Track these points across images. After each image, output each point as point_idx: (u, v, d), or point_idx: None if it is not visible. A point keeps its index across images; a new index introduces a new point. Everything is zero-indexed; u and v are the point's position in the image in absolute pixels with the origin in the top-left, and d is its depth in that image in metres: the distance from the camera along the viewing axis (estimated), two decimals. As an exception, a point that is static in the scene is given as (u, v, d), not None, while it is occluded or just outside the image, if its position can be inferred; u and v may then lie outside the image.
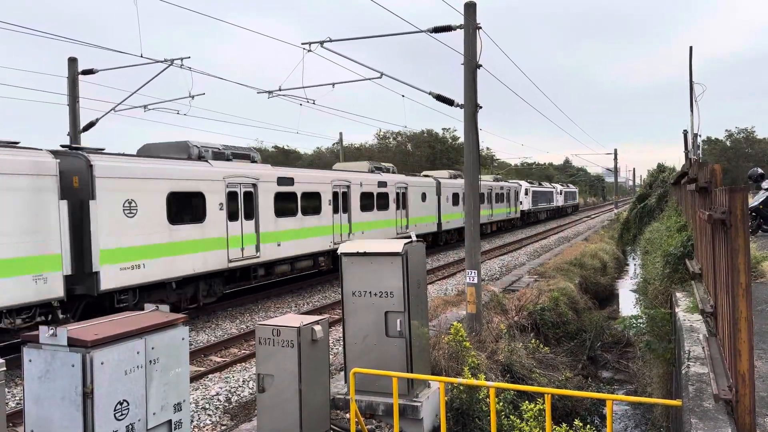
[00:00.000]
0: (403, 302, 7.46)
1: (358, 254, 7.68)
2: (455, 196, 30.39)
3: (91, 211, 11.25)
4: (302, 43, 13.40)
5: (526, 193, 49.02)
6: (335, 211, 19.08)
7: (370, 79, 14.15)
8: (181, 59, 16.24)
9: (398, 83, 13.10)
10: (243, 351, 12.17)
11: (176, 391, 5.01)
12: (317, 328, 6.56)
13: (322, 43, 13.02)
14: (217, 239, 14.12)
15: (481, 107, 11.83)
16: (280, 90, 16.13)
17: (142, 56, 15.76)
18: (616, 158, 62.14)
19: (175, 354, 5.00)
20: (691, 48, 11.62)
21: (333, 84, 15.95)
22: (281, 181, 16.48)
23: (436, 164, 65.54)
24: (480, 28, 11.57)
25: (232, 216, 14.69)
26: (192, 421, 8.30)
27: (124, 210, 11.87)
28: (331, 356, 10.41)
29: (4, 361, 4.75)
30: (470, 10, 11.58)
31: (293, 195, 16.96)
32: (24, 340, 4.55)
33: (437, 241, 29.54)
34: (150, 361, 4.75)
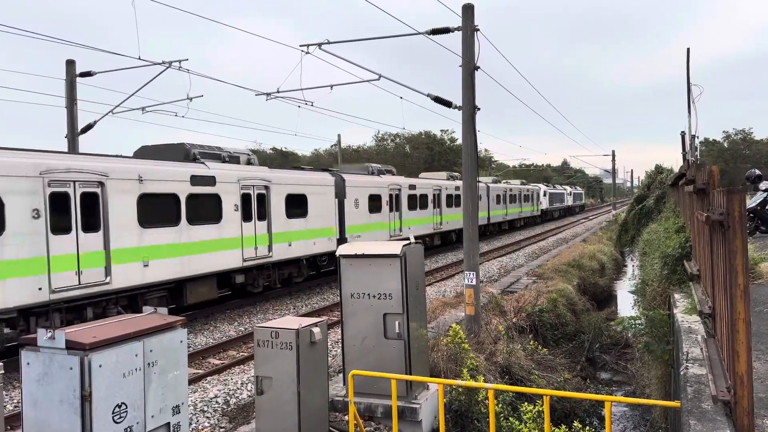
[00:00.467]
0: (402, 304, 7.46)
1: (356, 256, 7.68)
2: (498, 197, 39.82)
3: (344, 205, 20.23)
4: (300, 45, 13.41)
5: (545, 195, 57.28)
6: (434, 207, 28.22)
7: (368, 80, 14.16)
8: (179, 61, 16.23)
9: (396, 85, 13.12)
10: (241, 353, 12.15)
11: (174, 394, 5.00)
12: (316, 330, 6.55)
13: (320, 45, 13.02)
14: (385, 223, 23.59)
15: (479, 109, 11.84)
16: (278, 92, 16.13)
17: (140, 58, 15.76)
18: (614, 159, 62.20)
19: (174, 356, 4.99)
20: (688, 50, 11.63)
21: (331, 86, 15.98)
22: (411, 187, 25.49)
23: (434, 166, 65.55)
24: (478, 29, 11.59)
25: (390, 209, 23.91)
26: (190, 423, 8.28)
27: (354, 205, 20.76)
28: (329, 358, 10.40)
29: (2, 363, 4.74)
30: (468, 12, 11.60)
31: (416, 196, 26.17)
32: (22, 342, 4.54)
33: (486, 231, 38.58)
34: (148, 364, 4.74)
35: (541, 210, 55.00)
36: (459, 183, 30.38)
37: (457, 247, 30.57)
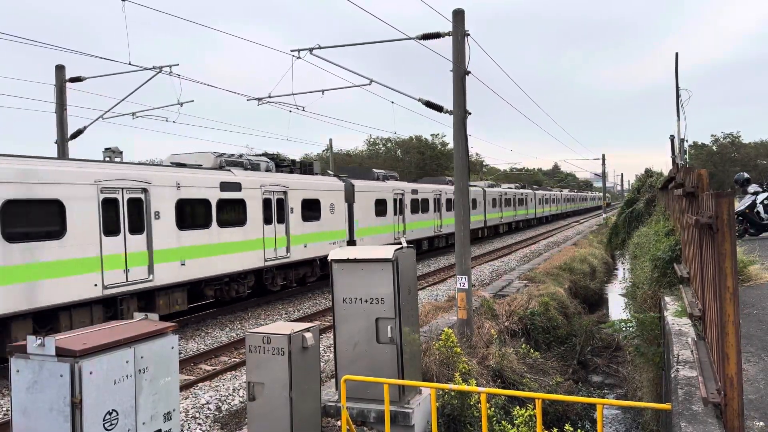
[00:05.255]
0: (394, 308, 7.46)
1: (348, 261, 7.67)
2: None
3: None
4: (291, 50, 13.41)
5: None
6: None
7: (359, 85, 14.17)
8: (170, 66, 16.19)
9: (388, 90, 13.13)
10: (233, 359, 12.10)
11: (166, 401, 4.97)
12: (308, 335, 6.54)
13: (311, 50, 13.02)
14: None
15: (470, 113, 11.88)
16: (269, 97, 16.11)
17: (130, 63, 15.70)
18: (604, 163, 62.46)
19: (165, 363, 4.97)
20: (677, 54, 11.77)
21: (322, 91, 15.95)
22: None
23: (425, 170, 65.69)
24: (468, 35, 11.64)
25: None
26: (182, 430, 8.24)
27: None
28: (322, 363, 10.37)
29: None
30: (458, 17, 11.65)
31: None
32: (11, 350, 4.50)
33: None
34: (139, 371, 4.72)
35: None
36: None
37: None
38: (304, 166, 20.14)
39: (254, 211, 16.19)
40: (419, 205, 27.57)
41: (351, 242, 21.07)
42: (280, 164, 18.93)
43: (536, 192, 57.21)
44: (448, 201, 30.59)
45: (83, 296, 11.48)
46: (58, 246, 11.12)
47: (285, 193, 17.49)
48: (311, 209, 18.69)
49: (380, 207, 23.61)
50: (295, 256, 17.79)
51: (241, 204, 15.78)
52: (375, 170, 26.66)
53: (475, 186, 37.47)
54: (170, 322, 5.20)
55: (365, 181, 23.06)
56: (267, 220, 16.65)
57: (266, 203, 16.69)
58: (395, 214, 24.81)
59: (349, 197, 21.31)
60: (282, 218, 17.36)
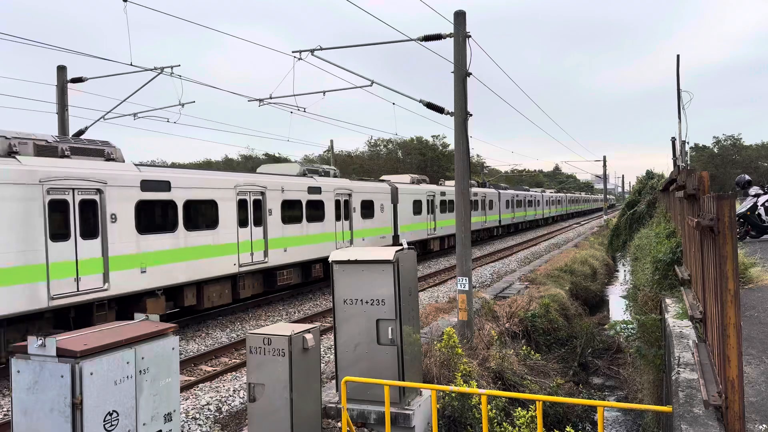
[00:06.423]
0: (395, 310, 7.46)
1: (349, 262, 7.67)
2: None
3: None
4: (293, 52, 13.41)
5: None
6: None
7: (360, 87, 14.18)
8: (171, 67, 16.20)
9: (389, 91, 13.14)
10: (234, 360, 12.10)
11: (166, 401, 4.97)
12: (308, 336, 6.54)
13: (312, 51, 13.03)
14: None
15: (471, 115, 11.88)
16: (270, 98, 16.12)
17: (131, 64, 15.70)
18: (605, 165, 62.43)
19: (165, 364, 4.97)
20: (678, 57, 11.77)
21: (324, 92, 15.96)
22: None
23: (426, 171, 65.71)
24: (470, 36, 11.64)
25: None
26: (182, 431, 8.23)
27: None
28: (322, 364, 10.37)
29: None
30: (460, 18, 11.65)
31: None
32: (12, 351, 4.50)
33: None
34: (140, 371, 4.72)
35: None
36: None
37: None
38: (482, 185, 40.19)
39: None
40: (515, 203, 46.75)
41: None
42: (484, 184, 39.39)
43: (567, 195, 77.44)
44: (515, 201, 47.39)
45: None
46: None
47: (487, 195, 37.05)
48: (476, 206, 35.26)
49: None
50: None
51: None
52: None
53: (535, 191, 57.75)
54: (171, 323, 5.20)
55: (481, 189, 38.79)
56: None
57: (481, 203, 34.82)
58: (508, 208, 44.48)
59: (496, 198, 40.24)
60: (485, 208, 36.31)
